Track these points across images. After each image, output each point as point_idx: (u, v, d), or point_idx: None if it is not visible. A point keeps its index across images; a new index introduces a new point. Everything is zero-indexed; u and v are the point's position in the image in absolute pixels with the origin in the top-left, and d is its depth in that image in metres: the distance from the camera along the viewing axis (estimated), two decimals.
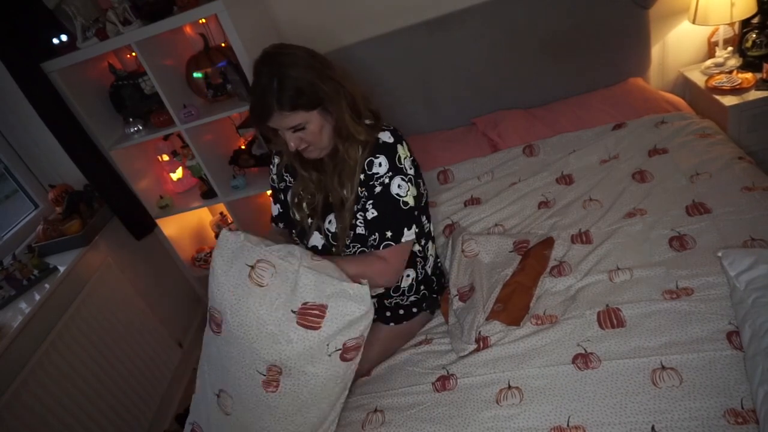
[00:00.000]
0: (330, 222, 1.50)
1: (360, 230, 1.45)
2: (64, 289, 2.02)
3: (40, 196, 2.39)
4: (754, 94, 2.06)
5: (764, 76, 2.08)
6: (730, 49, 2.25)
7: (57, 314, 1.96)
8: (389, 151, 1.40)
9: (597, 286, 1.47)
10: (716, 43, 2.27)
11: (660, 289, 1.39)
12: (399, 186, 1.39)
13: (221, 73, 2.22)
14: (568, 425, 1.15)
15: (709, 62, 2.29)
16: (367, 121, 1.43)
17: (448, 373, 1.38)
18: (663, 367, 1.20)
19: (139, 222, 2.43)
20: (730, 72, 2.18)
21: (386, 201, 1.39)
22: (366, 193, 1.42)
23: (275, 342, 1.22)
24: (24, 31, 2.03)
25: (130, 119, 2.31)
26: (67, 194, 2.30)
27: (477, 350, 1.42)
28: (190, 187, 2.63)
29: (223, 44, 2.31)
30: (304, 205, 1.54)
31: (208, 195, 2.44)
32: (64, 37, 2.13)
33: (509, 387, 1.28)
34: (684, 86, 2.40)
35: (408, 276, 1.57)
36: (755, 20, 2.15)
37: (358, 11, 2.36)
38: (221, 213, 2.80)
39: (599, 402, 1.17)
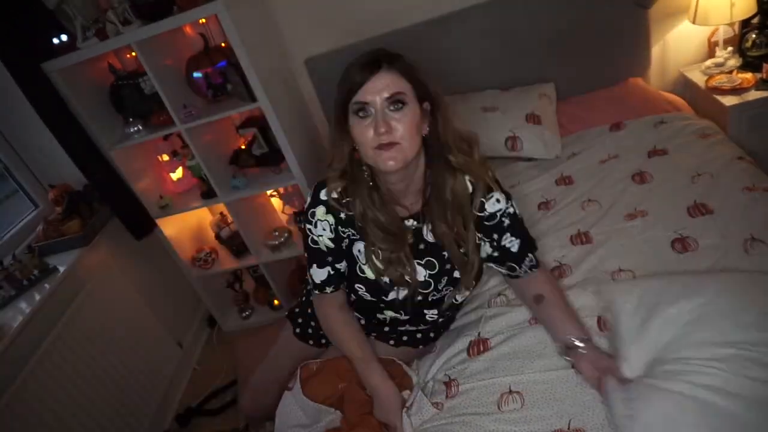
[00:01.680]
0: (425, 277, 1.33)
1: (456, 274, 1.35)
2: (64, 289, 2.02)
3: (40, 196, 2.40)
4: (754, 94, 2.06)
5: (764, 76, 2.08)
6: (730, 49, 2.25)
7: (57, 314, 1.96)
8: (495, 186, 1.32)
9: (597, 287, 1.46)
10: (716, 43, 2.27)
11: None
12: (515, 206, 1.36)
13: (221, 73, 2.22)
14: (569, 428, 1.15)
15: (709, 62, 2.29)
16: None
17: (449, 378, 1.38)
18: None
19: (139, 222, 2.43)
20: (730, 72, 2.18)
21: (520, 224, 1.36)
22: (486, 234, 1.35)
23: None
24: (24, 31, 2.03)
25: (130, 119, 2.31)
26: (67, 194, 2.30)
27: (477, 353, 1.42)
28: (190, 187, 2.63)
29: (223, 44, 2.30)
30: (381, 260, 1.31)
31: (208, 195, 2.44)
32: (64, 37, 2.13)
33: (510, 392, 1.27)
34: (684, 86, 2.40)
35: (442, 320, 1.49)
36: (755, 20, 2.15)
37: (358, 11, 2.36)
38: (221, 213, 2.80)
39: (599, 405, 1.17)
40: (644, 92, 2.26)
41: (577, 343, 1.25)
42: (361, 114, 1.16)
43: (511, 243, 1.35)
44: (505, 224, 1.33)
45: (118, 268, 2.33)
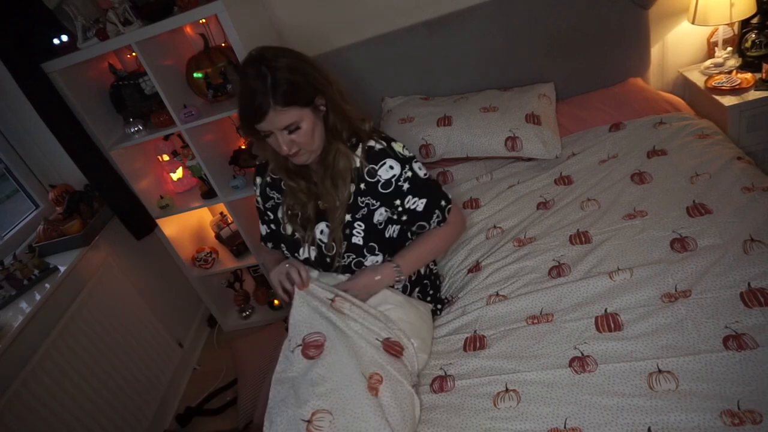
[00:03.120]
0: (322, 232, 1.49)
1: (356, 240, 1.46)
2: (64, 289, 2.02)
3: (41, 196, 2.40)
4: (754, 94, 2.06)
5: (764, 76, 2.08)
6: (729, 49, 2.25)
7: (57, 314, 1.96)
8: (388, 153, 1.42)
9: (596, 287, 1.47)
10: (716, 44, 2.27)
11: (659, 292, 1.39)
12: (420, 168, 1.46)
13: (221, 73, 2.22)
14: (565, 427, 1.16)
15: (708, 62, 2.29)
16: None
17: (445, 373, 1.39)
18: (659, 371, 1.20)
19: (139, 222, 2.43)
20: (730, 72, 2.18)
21: (423, 185, 1.46)
22: (386, 202, 1.44)
23: (376, 351, 1.33)
24: (24, 31, 2.03)
25: (131, 119, 2.32)
26: (67, 194, 2.30)
27: (474, 349, 1.43)
28: (190, 187, 2.64)
29: (223, 44, 2.31)
30: (297, 218, 1.52)
31: (208, 195, 2.44)
32: (64, 38, 2.13)
33: (506, 390, 1.28)
34: (684, 86, 2.40)
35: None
36: (755, 20, 2.15)
37: (358, 11, 2.36)
38: (221, 213, 2.81)
39: (596, 405, 1.18)
40: (644, 92, 2.26)
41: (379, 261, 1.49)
42: (266, 135, 1.34)
43: (416, 204, 1.46)
44: (405, 188, 1.44)
45: (118, 268, 2.33)
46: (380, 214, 1.46)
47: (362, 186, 1.43)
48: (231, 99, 2.27)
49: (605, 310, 1.39)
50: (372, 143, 1.43)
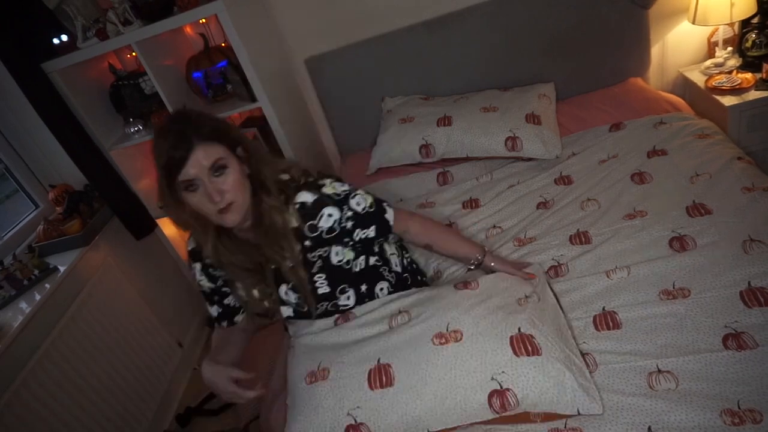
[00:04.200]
0: (287, 294, 1.44)
1: (322, 290, 1.42)
2: (64, 289, 2.03)
3: (41, 196, 2.40)
4: (754, 94, 2.06)
5: (764, 76, 2.08)
6: (729, 49, 2.25)
7: (57, 314, 1.96)
8: (323, 201, 1.35)
9: (594, 286, 1.47)
10: (716, 43, 2.27)
11: (657, 291, 1.39)
12: (358, 203, 1.40)
13: (221, 73, 2.22)
14: (565, 427, 1.16)
15: (708, 62, 2.29)
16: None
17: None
18: (659, 370, 1.20)
19: (140, 222, 2.43)
20: (730, 72, 2.18)
21: (365, 217, 1.41)
22: (334, 241, 1.39)
23: None
24: (24, 31, 2.04)
25: (130, 119, 2.32)
26: (67, 194, 2.30)
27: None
28: None
29: (223, 44, 2.31)
30: (255, 292, 1.45)
31: None
32: (64, 37, 2.14)
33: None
34: (684, 86, 2.40)
35: (382, 290, 1.51)
36: (755, 20, 2.15)
37: (358, 11, 2.36)
38: None
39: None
40: (644, 92, 2.26)
41: (479, 257, 1.54)
42: (191, 188, 1.22)
43: (365, 233, 1.42)
44: (349, 226, 1.38)
45: (117, 268, 2.33)
46: (337, 254, 1.41)
47: (307, 243, 1.36)
48: (231, 99, 2.27)
49: (603, 309, 1.39)
50: (302, 198, 1.34)
